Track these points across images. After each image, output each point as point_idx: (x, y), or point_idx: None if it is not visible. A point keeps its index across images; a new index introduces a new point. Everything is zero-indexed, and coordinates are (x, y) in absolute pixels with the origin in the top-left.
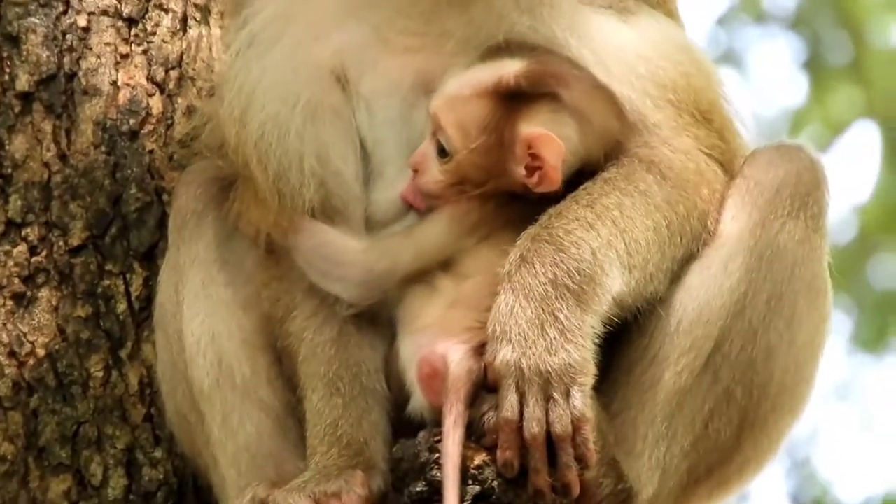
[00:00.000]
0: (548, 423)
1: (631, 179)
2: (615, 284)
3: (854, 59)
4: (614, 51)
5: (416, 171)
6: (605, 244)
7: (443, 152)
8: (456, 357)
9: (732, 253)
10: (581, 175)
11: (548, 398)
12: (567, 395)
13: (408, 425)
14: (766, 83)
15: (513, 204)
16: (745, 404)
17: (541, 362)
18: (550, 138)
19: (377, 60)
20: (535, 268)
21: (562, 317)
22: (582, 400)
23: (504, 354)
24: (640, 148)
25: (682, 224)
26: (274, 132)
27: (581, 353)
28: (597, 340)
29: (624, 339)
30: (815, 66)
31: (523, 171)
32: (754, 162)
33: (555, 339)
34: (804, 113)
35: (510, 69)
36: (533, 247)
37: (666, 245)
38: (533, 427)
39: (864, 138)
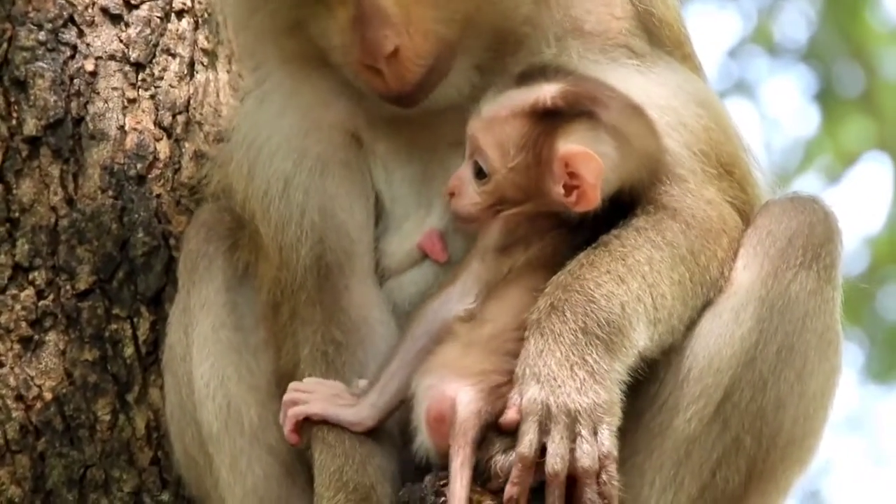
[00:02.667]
0: (573, 459)
1: (659, 230)
2: (641, 338)
3: (866, 90)
4: (649, 104)
5: (452, 195)
6: (635, 299)
7: (480, 174)
8: (465, 399)
9: (744, 302)
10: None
11: (574, 436)
12: (594, 432)
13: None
14: (778, 114)
15: (538, 245)
16: (753, 454)
17: (570, 401)
18: (589, 155)
19: (389, 122)
20: (565, 315)
21: (591, 360)
22: (609, 438)
23: (532, 394)
24: (667, 196)
25: (703, 274)
26: (278, 186)
27: (609, 395)
28: (623, 388)
29: (633, 385)
30: (826, 97)
31: (561, 190)
32: (767, 212)
33: (584, 380)
34: (816, 144)
35: (546, 91)
36: (564, 296)
37: (688, 297)
38: (556, 462)
39: (876, 170)
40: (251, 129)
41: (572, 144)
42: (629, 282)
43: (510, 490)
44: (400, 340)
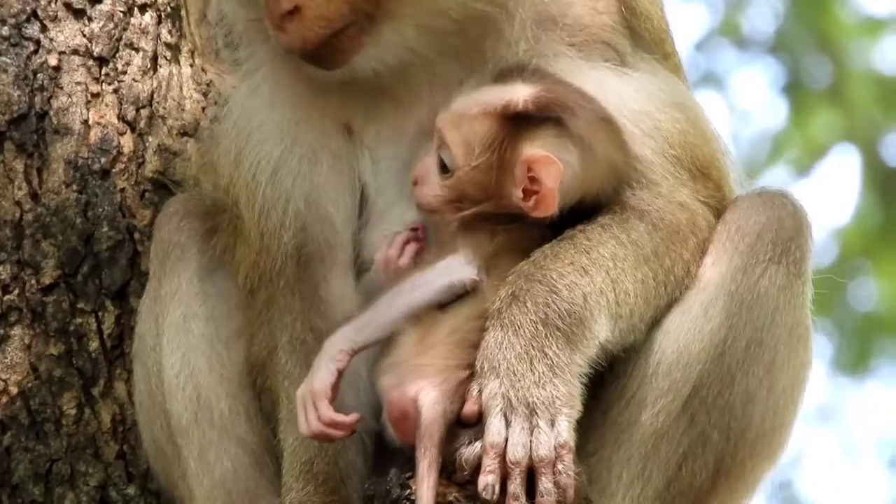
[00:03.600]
0: (531, 448)
1: (625, 228)
2: (603, 331)
3: (834, 82)
4: (614, 106)
5: (415, 182)
6: (598, 291)
7: (444, 168)
8: (428, 400)
9: (713, 297)
10: (577, 212)
11: (533, 427)
12: (552, 423)
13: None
14: (746, 107)
15: (502, 237)
16: (721, 449)
17: (528, 394)
18: (550, 160)
19: (380, 112)
20: (526, 306)
21: (550, 353)
22: (567, 429)
23: (492, 388)
24: (636, 199)
25: (668, 275)
26: (266, 171)
27: (568, 388)
28: (583, 380)
29: (601, 380)
30: (794, 89)
31: (521, 194)
32: (736, 208)
33: (543, 373)
34: (784, 136)
35: (520, 93)
36: (526, 286)
37: (651, 297)
38: (517, 451)
39: (844, 162)
40: (242, 115)
41: (536, 149)
42: (593, 274)
43: (483, 479)
44: (393, 293)
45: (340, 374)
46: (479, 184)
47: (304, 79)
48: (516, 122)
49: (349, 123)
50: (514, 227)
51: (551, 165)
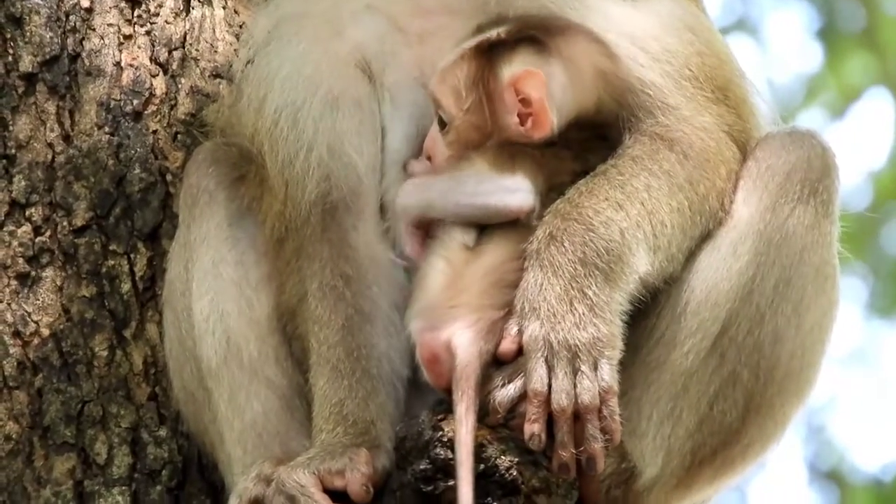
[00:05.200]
0: (575, 395)
1: (656, 159)
2: (642, 265)
3: (868, 26)
4: (626, 32)
5: (429, 158)
6: (634, 225)
7: (443, 124)
8: (463, 341)
9: (742, 236)
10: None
11: (576, 371)
12: (595, 367)
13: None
14: (780, 51)
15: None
16: (751, 387)
17: (570, 336)
18: (530, 72)
19: (396, 53)
20: (564, 246)
21: (590, 293)
22: (610, 372)
23: (533, 329)
24: (662, 127)
25: (702, 204)
26: (289, 119)
27: (609, 328)
28: (624, 318)
29: (631, 320)
30: (829, 33)
31: (516, 119)
32: (767, 145)
33: (584, 314)
34: (818, 80)
35: (494, 31)
36: (563, 225)
37: (687, 226)
38: (562, 399)
39: (878, 105)
40: (262, 59)
41: (515, 67)
42: (628, 208)
43: (529, 427)
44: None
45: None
46: (476, 126)
47: (323, 17)
48: (493, 54)
49: (368, 63)
50: (548, 158)
51: (532, 77)
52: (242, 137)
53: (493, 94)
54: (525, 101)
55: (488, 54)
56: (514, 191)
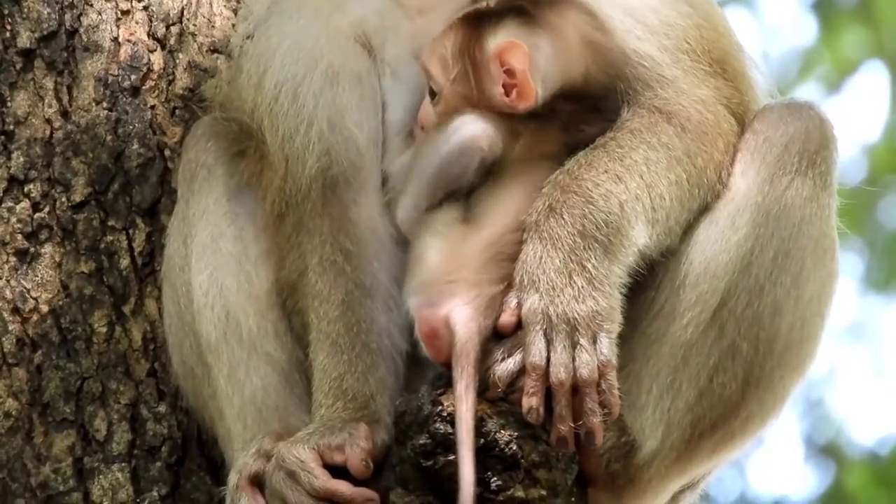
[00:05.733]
0: (574, 368)
1: (654, 132)
2: (641, 237)
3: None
4: (623, 5)
5: (423, 128)
6: (633, 198)
7: (433, 94)
8: (462, 317)
9: (740, 208)
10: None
11: (574, 344)
12: (594, 341)
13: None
14: (775, 24)
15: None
16: (750, 359)
17: (568, 310)
18: (513, 44)
19: (396, 26)
20: (563, 218)
21: (590, 266)
22: (609, 346)
23: (532, 303)
24: (660, 99)
25: (700, 177)
26: (289, 94)
27: (608, 302)
28: (623, 290)
29: (630, 293)
30: (824, 6)
31: (501, 90)
32: (764, 117)
33: (582, 287)
34: (814, 53)
35: (484, 2)
36: (562, 197)
37: (685, 199)
38: (560, 372)
39: (874, 79)
40: (262, 34)
41: (500, 38)
42: (627, 181)
43: (528, 401)
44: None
45: None
46: (463, 95)
47: None
48: (479, 24)
49: (368, 37)
50: (532, 127)
51: (515, 49)
52: (242, 112)
53: (479, 64)
54: (510, 72)
55: (476, 25)
56: (465, 124)
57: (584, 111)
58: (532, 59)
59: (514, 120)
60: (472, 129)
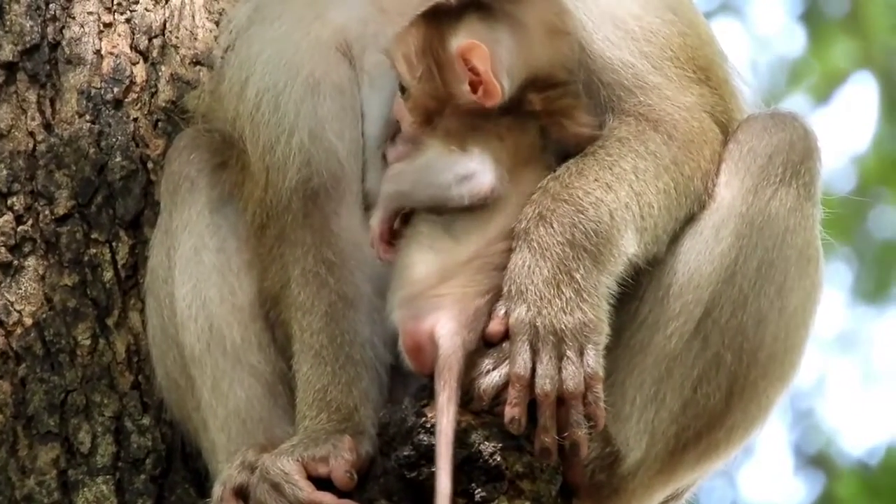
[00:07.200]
0: (560, 380)
1: (642, 140)
2: (630, 246)
3: (851, 10)
4: (608, 11)
5: (399, 122)
6: (623, 206)
7: (402, 91)
8: (446, 332)
9: (724, 219)
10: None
11: (561, 356)
12: (581, 353)
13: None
14: (764, 34)
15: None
16: (734, 370)
17: (556, 321)
18: (474, 44)
19: (378, 34)
20: (553, 227)
21: (578, 276)
22: (595, 358)
23: (519, 313)
24: (645, 106)
25: (687, 185)
26: (270, 103)
27: (596, 313)
28: (611, 301)
29: (615, 303)
30: (812, 17)
31: (468, 88)
32: (748, 128)
33: (570, 298)
34: (802, 64)
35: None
36: (552, 206)
37: (673, 207)
38: (546, 384)
39: (862, 89)
40: (244, 42)
41: (461, 38)
42: (617, 190)
43: (510, 411)
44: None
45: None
46: (431, 93)
47: (304, 3)
48: (441, 22)
49: (349, 46)
50: (514, 129)
51: (475, 49)
52: (224, 122)
53: (443, 63)
54: (474, 70)
55: (436, 22)
56: (468, 176)
57: (561, 98)
58: (494, 55)
59: (492, 123)
60: (487, 180)
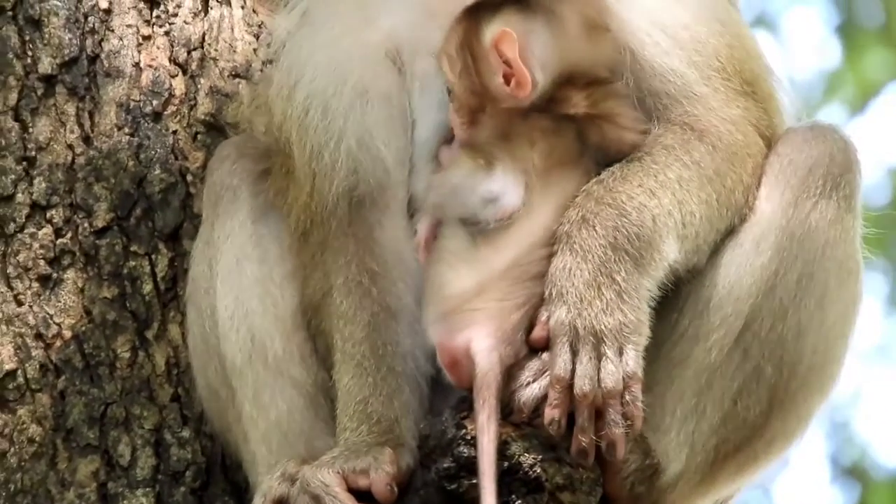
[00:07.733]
0: (598, 379)
1: (687, 149)
2: (671, 251)
3: (886, 21)
4: (657, 20)
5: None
6: (666, 213)
7: (449, 93)
8: (482, 348)
9: (765, 231)
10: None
11: (600, 356)
12: (620, 353)
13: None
14: (799, 47)
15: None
16: (774, 382)
17: (596, 322)
18: (505, 32)
19: (428, 38)
20: (595, 230)
21: (619, 279)
22: (635, 359)
23: (559, 315)
24: (691, 116)
25: (729, 197)
26: (318, 108)
27: (636, 315)
28: (652, 304)
29: (654, 315)
30: (848, 29)
31: (501, 81)
32: (789, 140)
33: (611, 300)
34: (838, 76)
35: None
36: (595, 209)
37: (714, 218)
38: (584, 384)
39: None
40: (292, 48)
41: (494, 28)
42: (660, 196)
43: (550, 413)
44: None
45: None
46: (471, 90)
47: (355, 7)
48: (479, 16)
49: (398, 53)
50: (548, 132)
51: (506, 36)
52: (268, 129)
53: (479, 56)
54: (508, 62)
55: (475, 17)
56: (492, 200)
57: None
58: (527, 46)
59: (527, 125)
60: (511, 202)
